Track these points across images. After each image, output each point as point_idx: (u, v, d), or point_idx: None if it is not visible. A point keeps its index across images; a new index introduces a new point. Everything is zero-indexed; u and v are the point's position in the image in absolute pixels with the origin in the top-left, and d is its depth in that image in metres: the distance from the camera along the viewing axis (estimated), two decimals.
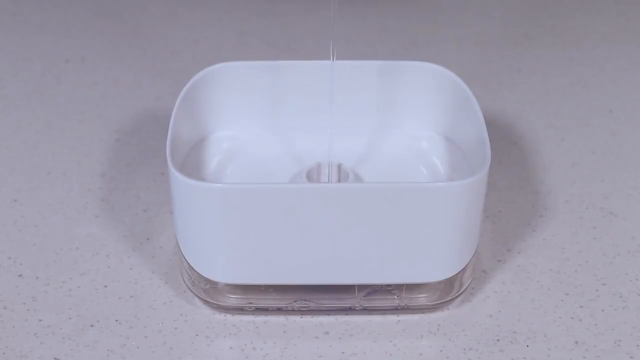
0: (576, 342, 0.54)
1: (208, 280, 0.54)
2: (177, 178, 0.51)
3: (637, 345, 0.54)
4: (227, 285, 0.54)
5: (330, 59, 0.56)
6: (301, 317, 0.55)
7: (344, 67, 0.58)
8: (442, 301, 0.55)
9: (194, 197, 0.51)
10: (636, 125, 0.70)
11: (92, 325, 0.54)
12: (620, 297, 0.56)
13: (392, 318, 0.55)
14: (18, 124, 0.69)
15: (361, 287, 0.54)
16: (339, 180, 0.58)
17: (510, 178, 0.65)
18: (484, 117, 0.56)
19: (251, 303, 0.54)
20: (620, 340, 0.54)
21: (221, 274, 0.54)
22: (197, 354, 0.53)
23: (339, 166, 0.58)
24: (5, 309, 0.55)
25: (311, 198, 0.51)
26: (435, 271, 0.54)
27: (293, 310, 0.55)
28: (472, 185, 0.51)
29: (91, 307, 0.55)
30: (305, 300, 0.54)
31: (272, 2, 0.83)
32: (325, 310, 0.55)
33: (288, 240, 0.52)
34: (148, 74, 0.74)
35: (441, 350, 0.53)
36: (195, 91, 0.59)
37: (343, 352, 0.53)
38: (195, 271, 0.54)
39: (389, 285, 0.54)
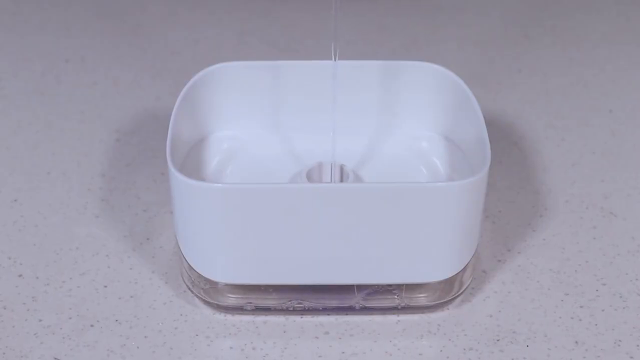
0: (576, 342, 0.54)
1: (208, 280, 0.54)
2: (177, 178, 0.51)
3: (637, 345, 0.54)
4: (227, 285, 0.54)
5: (330, 59, 0.56)
6: (301, 317, 0.55)
7: (344, 67, 0.58)
8: (442, 301, 0.55)
9: (194, 197, 0.51)
10: (636, 125, 0.70)
11: (92, 325, 0.54)
12: (620, 297, 0.56)
13: (392, 318, 0.55)
14: (18, 124, 0.69)
15: (361, 287, 0.54)
16: (341, 181, 0.58)
17: (510, 178, 0.65)
18: (484, 117, 0.56)
19: (251, 302, 0.54)
20: (620, 340, 0.54)
21: (221, 274, 0.54)
22: (197, 354, 0.53)
23: (342, 167, 0.58)
24: (5, 309, 0.55)
25: (311, 198, 0.51)
26: (435, 271, 0.54)
27: (293, 310, 0.55)
28: (472, 185, 0.51)
29: (91, 307, 0.55)
30: (300, 299, 0.54)
31: (272, 2, 0.83)
32: (325, 310, 0.55)
33: (288, 240, 0.52)
34: (148, 74, 0.74)
35: (441, 350, 0.53)
36: (195, 91, 0.59)
37: (343, 352, 0.53)
38: (195, 271, 0.54)
39: (390, 285, 0.54)
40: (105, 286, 0.57)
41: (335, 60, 0.56)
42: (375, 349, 0.53)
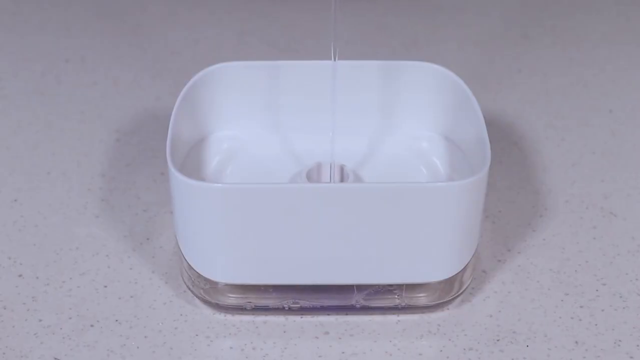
0: (576, 342, 0.54)
1: (208, 280, 0.54)
2: (177, 178, 0.51)
3: (637, 345, 0.54)
4: (227, 285, 0.54)
5: (330, 59, 0.56)
6: (301, 317, 0.55)
7: (344, 67, 0.58)
8: (442, 301, 0.55)
9: (194, 197, 0.51)
10: (636, 125, 0.70)
11: (92, 325, 0.54)
12: (620, 297, 0.56)
13: (392, 318, 0.55)
14: (18, 124, 0.69)
15: (361, 287, 0.54)
16: (341, 182, 0.58)
17: (510, 178, 0.65)
18: (484, 117, 0.56)
19: (250, 302, 0.54)
20: (620, 340, 0.54)
21: (221, 274, 0.54)
22: (197, 354, 0.53)
23: (342, 167, 0.58)
24: (5, 309, 0.55)
25: (311, 198, 0.51)
26: (435, 271, 0.54)
27: (293, 310, 0.55)
28: (472, 185, 0.51)
29: (91, 307, 0.55)
30: (301, 300, 0.54)
31: (272, 2, 0.83)
32: (326, 310, 0.55)
33: (288, 240, 0.52)
34: (148, 74, 0.74)
35: (441, 350, 0.53)
36: (195, 91, 0.59)
37: (343, 352, 0.53)
38: (195, 271, 0.54)
39: (390, 285, 0.54)
40: (105, 286, 0.57)
41: (334, 60, 0.56)
42: (375, 349, 0.53)
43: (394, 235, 0.52)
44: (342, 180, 0.58)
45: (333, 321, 0.55)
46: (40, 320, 0.55)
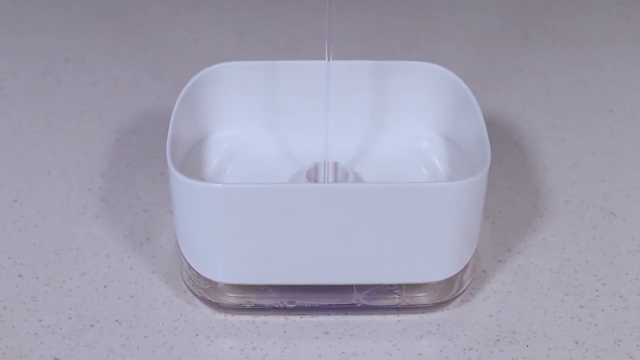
0: (576, 342, 0.54)
1: (208, 280, 0.54)
2: (177, 178, 0.51)
3: (637, 345, 0.54)
4: (227, 285, 0.54)
5: (328, 59, 0.56)
6: (301, 317, 0.55)
7: (343, 67, 0.58)
8: (442, 301, 0.55)
9: (194, 197, 0.51)
10: (636, 125, 0.70)
11: (92, 325, 0.54)
12: (620, 297, 0.56)
13: (392, 318, 0.55)
14: (18, 124, 0.69)
15: (361, 287, 0.54)
16: (335, 179, 0.58)
17: (510, 178, 0.65)
18: (484, 117, 0.56)
19: (250, 302, 0.54)
20: (620, 340, 0.54)
21: (221, 274, 0.54)
22: (197, 354, 0.53)
23: (335, 165, 0.58)
24: (5, 309, 0.55)
25: (311, 198, 0.51)
26: (435, 271, 0.54)
27: (293, 309, 0.55)
28: (472, 185, 0.51)
29: (91, 307, 0.55)
30: (300, 299, 0.54)
31: (272, 2, 0.83)
32: (326, 309, 0.55)
33: (288, 240, 0.52)
34: (148, 74, 0.74)
35: (441, 350, 0.53)
36: (195, 91, 0.59)
37: (343, 352, 0.53)
38: (195, 271, 0.54)
39: (391, 285, 0.54)
40: (105, 286, 0.57)
41: (328, 60, 0.56)
42: (375, 349, 0.53)
43: (394, 235, 0.52)
44: (338, 179, 0.58)
45: (333, 321, 0.55)
46: (40, 320, 0.55)
